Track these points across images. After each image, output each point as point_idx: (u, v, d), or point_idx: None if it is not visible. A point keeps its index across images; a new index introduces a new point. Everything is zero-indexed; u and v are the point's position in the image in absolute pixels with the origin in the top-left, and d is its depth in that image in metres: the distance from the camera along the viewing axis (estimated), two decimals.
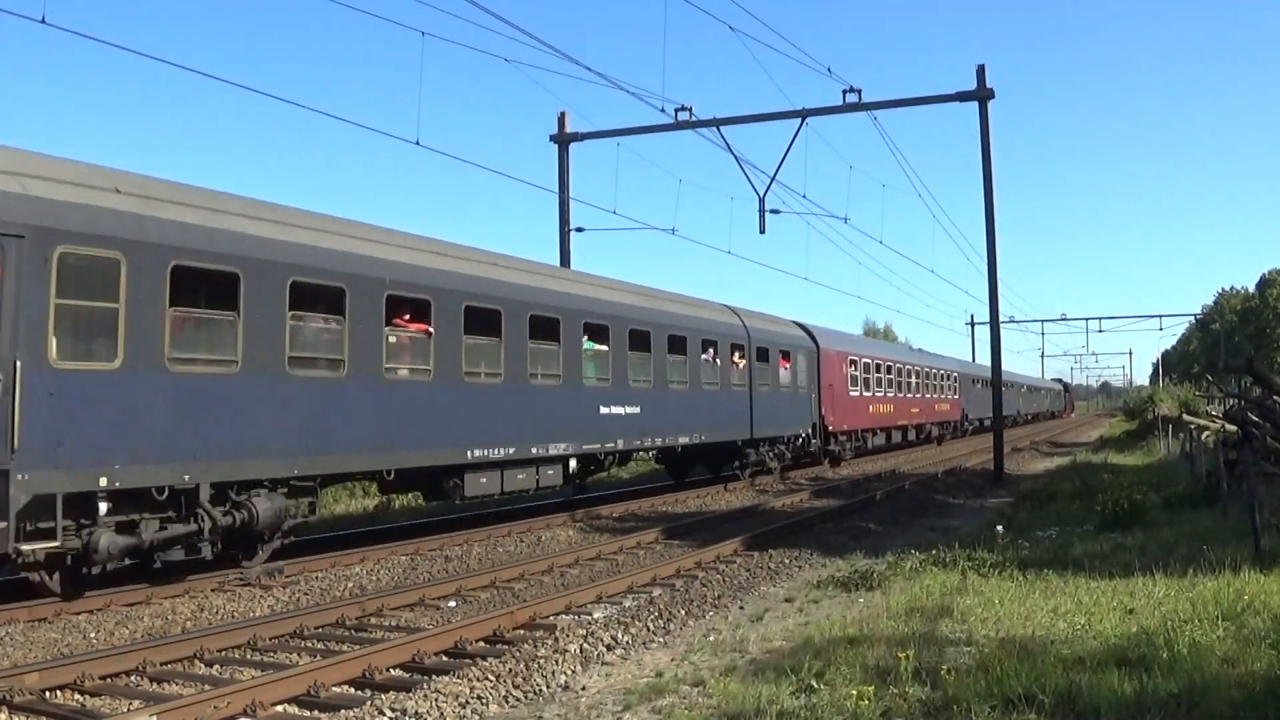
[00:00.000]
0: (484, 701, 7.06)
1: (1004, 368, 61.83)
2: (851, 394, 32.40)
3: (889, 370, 37.33)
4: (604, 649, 8.47)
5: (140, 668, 8.12)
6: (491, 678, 7.49)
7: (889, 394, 37.01)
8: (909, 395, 40.15)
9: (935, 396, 45.00)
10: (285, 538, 12.42)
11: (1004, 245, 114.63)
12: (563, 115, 29.02)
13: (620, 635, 8.88)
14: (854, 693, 5.87)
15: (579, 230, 28.82)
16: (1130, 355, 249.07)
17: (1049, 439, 53.86)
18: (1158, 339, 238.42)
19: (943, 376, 47.09)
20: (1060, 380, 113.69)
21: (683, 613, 9.90)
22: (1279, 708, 5.48)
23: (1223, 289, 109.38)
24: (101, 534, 9.96)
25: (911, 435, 40.87)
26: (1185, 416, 29.24)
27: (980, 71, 26.06)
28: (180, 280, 10.80)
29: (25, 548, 9.37)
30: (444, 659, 8.45)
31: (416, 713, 6.75)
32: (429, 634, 8.84)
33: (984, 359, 54.98)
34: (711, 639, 8.59)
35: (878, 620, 8.35)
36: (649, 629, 9.21)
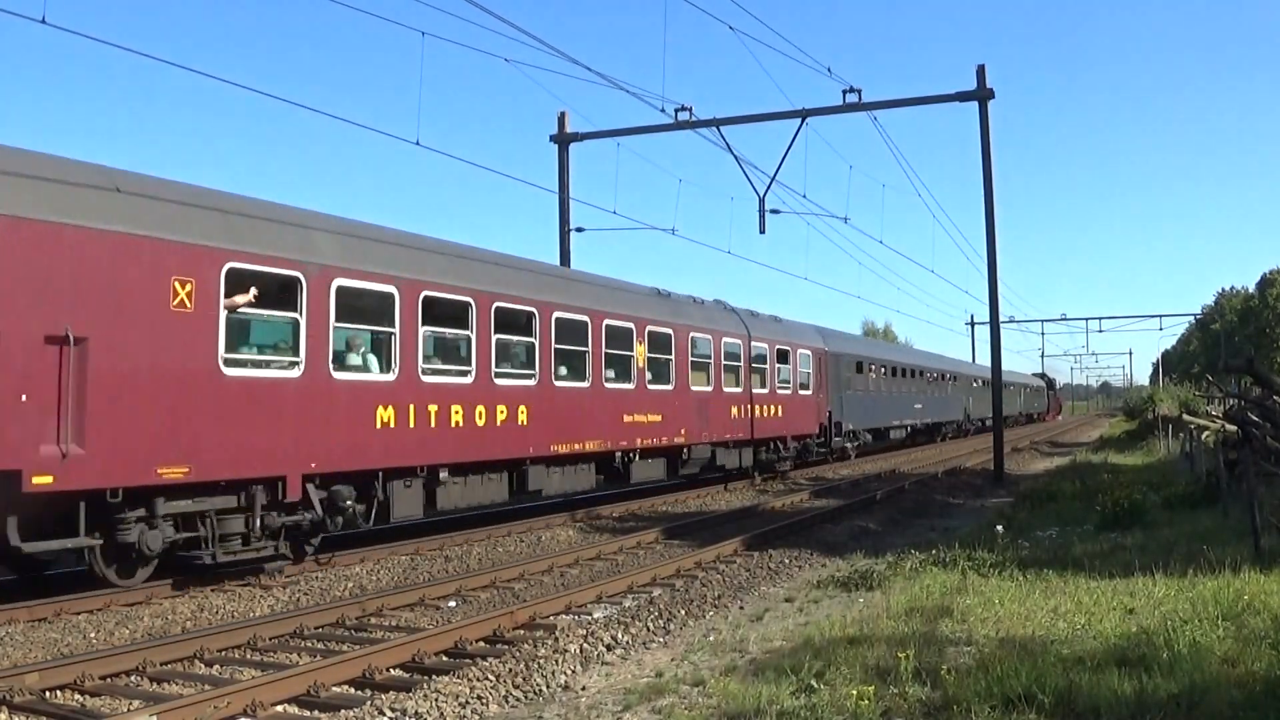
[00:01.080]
0: (484, 701, 7.06)
1: (945, 354, 40.61)
2: (239, 374, 11.35)
3: (505, 322, 15.56)
4: (604, 649, 8.47)
5: (140, 668, 8.12)
6: (491, 678, 7.49)
7: (491, 378, 15.17)
8: (611, 385, 18.46)
9: (734, 393, 23.46)
10: None
11: (1004, 245, 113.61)
12: (563, 115, 29.03)
13: (620, 635, 8.89)
14: (854, 693, 5.87)
15: (579, 230, 28.85)
16: (1130, 355, 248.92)
17: (1049, 439, 53.81)
18: (1158, 339, 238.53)
19: (750, 356, 24.46)
20: (1043, 375, 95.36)
21: (683, 613, 9.90)
22: (1279, 708, 5.48)
23: (1223, 289, 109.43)
24: None
25: (637, 470, 19.68)
26: (1185, 416, 29.21)
27: (980, 71, 26.07)
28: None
29: None
30: (444, 659, 8.46)
31: (416, 713, 6.76)
32: (429, 634, 8.84)
33: (984, 359, 52.22)
34: (711, 639, 8.59)
35: (878, 620, 8.35)
36: (649, 629, 9.21)
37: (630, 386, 19.15)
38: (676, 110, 25.34)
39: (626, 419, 19.00)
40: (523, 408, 15.81)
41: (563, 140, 28.89)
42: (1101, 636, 7.33)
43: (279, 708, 7.21)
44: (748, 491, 23.70)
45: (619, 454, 18.86)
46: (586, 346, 17.73)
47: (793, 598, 10.57)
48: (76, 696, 7.62)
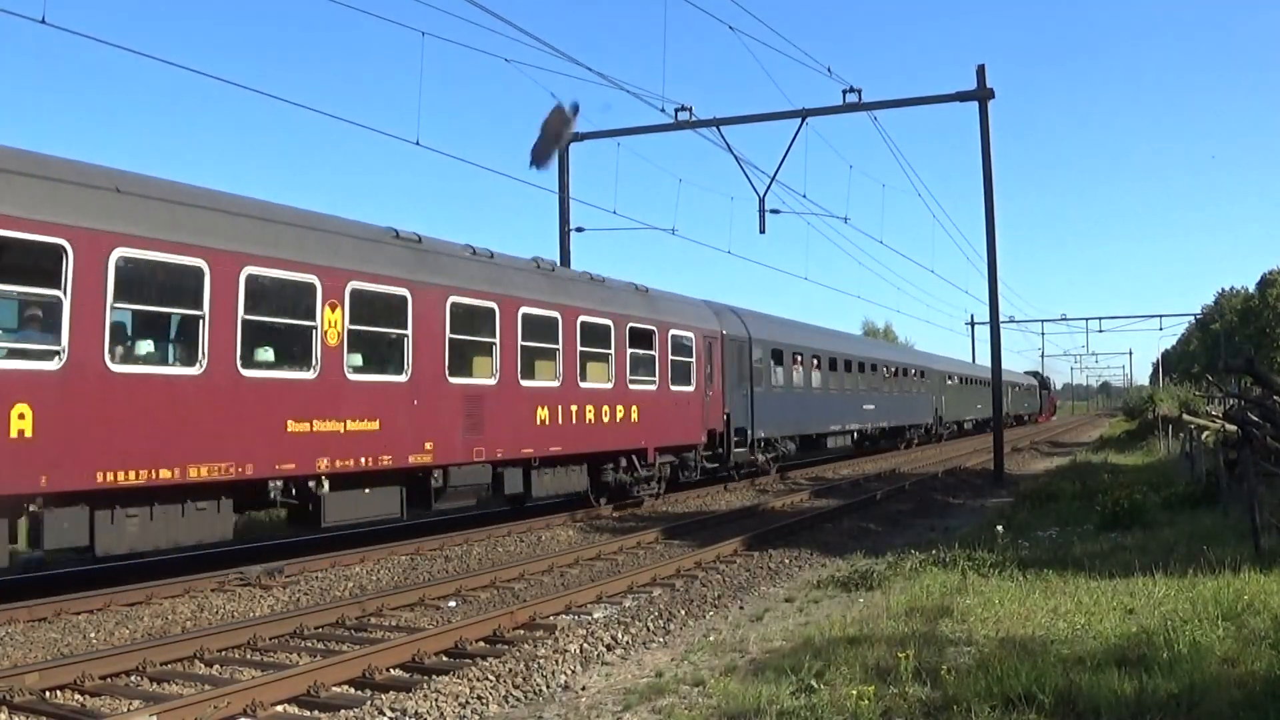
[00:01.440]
0: (484, 701, 7.06)
1: (922, 348, 34.62)
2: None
3: None
4: (604, 649, 8.47)
5: (140, 668, 8.12)
6: (491, 678, 7.49)
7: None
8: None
9: (544, 388, 16.82)
10: None
11: (1004, 245, 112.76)
12: None
13: (620, 635, 8.89)
14: (854, 693, 5.87)
15: (579, 230, 28.83)
16: (1130, 355, 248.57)
17: (1049, 439, 53.78)
18: (1158, 339, 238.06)
19: (579, 335, 17.72)
20: (1036, 374, 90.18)
21: (683, 613, 9.90)
22: (1279, 708, 5.48)
23: (1223, 289, 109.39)
24: None
25: None
26: (1185, 416, 29.19)
27: (980, 71, 26.08)
28: None
29: None
30: (444, 659, 8.46)
31: (416, 713, 6.76)
32: (429, 634, 8.84)
33: (984, 359, 51.66)
34: (711, 639, 8.59)
35: (878, 620, 8.35)
36: (649, 629, 9.21)
37: (308, 375, 12.40)
38: (676, 110, 25.31)
39: (296, 427, 12.13)
40: (22, 409, 9.45)
41: None
42: (1101, 636, 7.33)
43: (279, 708, 7.21)
44: (747, 492, 23.70)
45: (279, 483, 12.14)
46: (200, 309, 11.12)
47: (793, 598, 10.57)
48: (76, 696, 7.62)
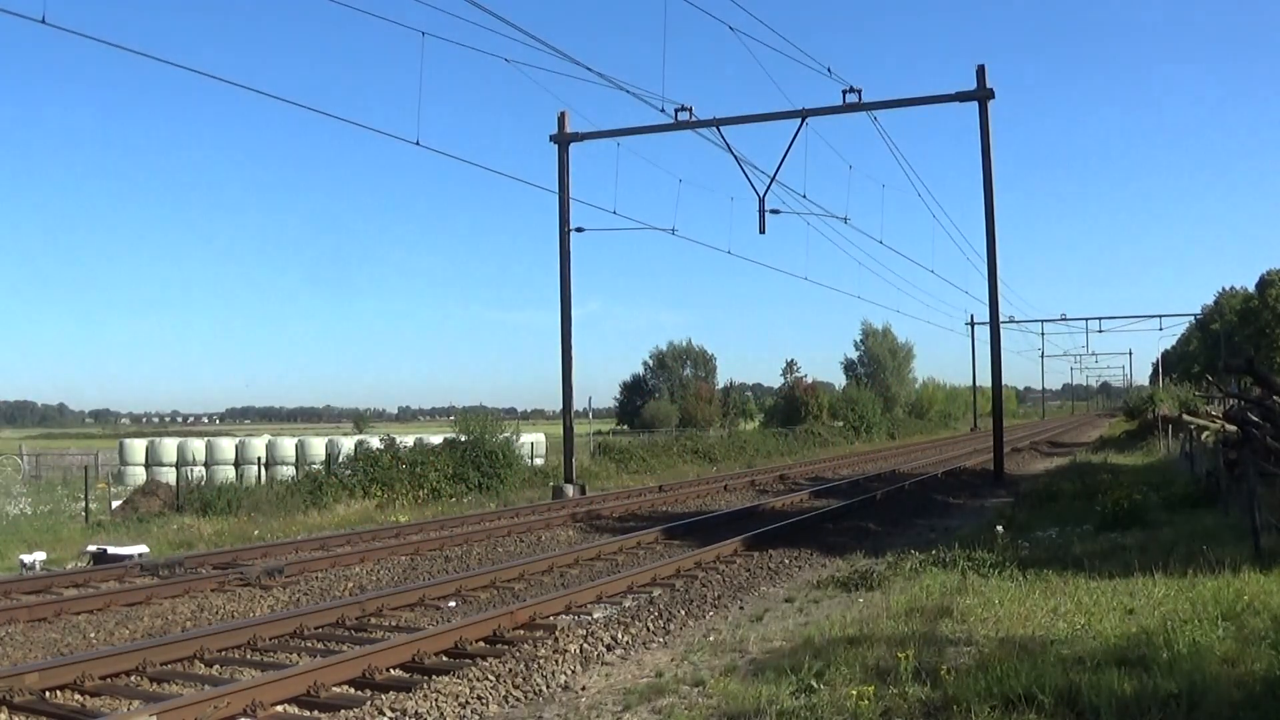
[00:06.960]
0: (484, 701, 7.06)
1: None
2: None
3: None
4: (604, 649, 8.47)
5: (140, 668, 8.12)
6: (491, 678, 7.49)
7: None
8: None
9: None
10: None
11: (1004, 245, 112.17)
12: (563, 115, 29.00)
13: (620, 635, 8.89)
14: (854, 693, 5.86)
15: (579, 230, 28.80)
16: (1130, 355, 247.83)
17: (1049, 439, 53.75)
18: (1158, 339, 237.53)
19: None
20: None
21: (683, 613, 9.90)
22: (1279, 708, 5.47)
23: (1223, 289, 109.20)
24: None
25: None
26: (1185, 416, 29.17)
27: (980, 71, 26.09)
28: None
29: None
30: (444, 659, 8.46)
31: (416, 713, 6.76)
32: (429, 634, 8.84)
33: (983, 359, 51.12)
34: (711, 639, 8.59)
35: (878, 620, 8.35)
36: (649, 629, 9.21)
37: None
38: (676, 110, 25.31)
39: None
40: None
41: (563, 140, 28.87)
42: (1101, 636, 7.32)
43: (279, 708, 7.20)
44: (748, 492, 23.70)
45: None
46: None
47: (793, 598, 10.56)
48: (76, 696, 7.62)
